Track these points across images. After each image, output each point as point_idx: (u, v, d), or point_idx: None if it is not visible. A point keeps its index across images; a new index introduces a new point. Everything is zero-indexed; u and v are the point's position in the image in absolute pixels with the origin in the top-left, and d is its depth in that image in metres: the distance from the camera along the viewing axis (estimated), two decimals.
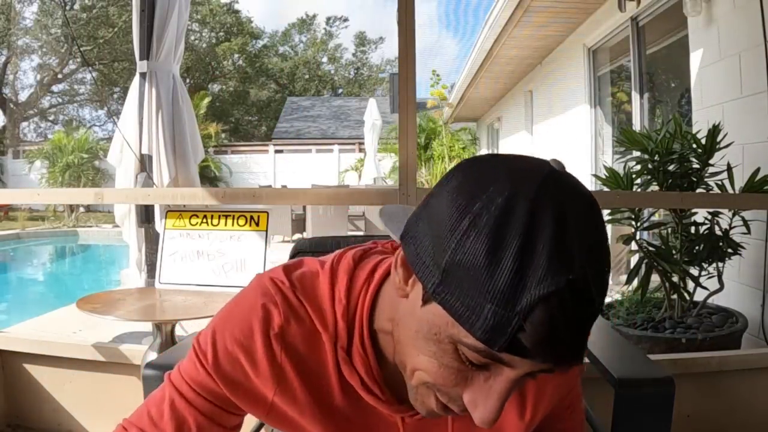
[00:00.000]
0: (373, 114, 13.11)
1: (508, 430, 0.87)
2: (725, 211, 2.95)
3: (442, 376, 0.66)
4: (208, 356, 0.81)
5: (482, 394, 0.65)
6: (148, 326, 3.20)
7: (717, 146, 2.97)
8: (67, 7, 25.46)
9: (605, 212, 3.31)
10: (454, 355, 0.64)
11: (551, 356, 0.59)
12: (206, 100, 19.15)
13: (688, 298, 3.12)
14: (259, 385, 0.81)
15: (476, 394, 0.65)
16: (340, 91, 35.80)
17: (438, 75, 14.42)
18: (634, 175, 3.09)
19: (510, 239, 0.58)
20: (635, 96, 5.46)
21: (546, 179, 0.63)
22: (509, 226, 0.58)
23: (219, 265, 2.72)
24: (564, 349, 0.59)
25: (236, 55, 32.02)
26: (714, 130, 2.95)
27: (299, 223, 9.79)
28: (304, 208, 9.51)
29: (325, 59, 36.17)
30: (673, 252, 3.04)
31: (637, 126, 5.27)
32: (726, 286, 3.02)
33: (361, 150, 18.25)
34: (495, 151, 14.37)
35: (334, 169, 19.05)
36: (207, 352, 0.81)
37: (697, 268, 3.05)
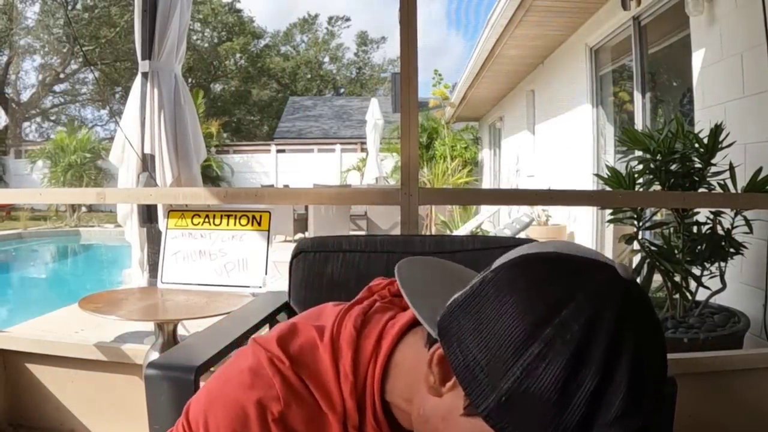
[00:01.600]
0: (375, 113, 13.11)
1: None
2: (727, 210, 2.95)
3: None
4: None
5: None
6: (150, 326, 3.21)
7: (719, 146, 2.96)
8: (69, 7, 25.49)
9: (607, 212, 3.31)
10: None
11: None
12: (200, 97, 19.09)
13: (690, 297, 3.12)
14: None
15: None
16: (342, 90, 35.80)
17: (440, 74, 14.44)
18: (636, 175, 3.09)
19: (586, 374, 0.53)
20: (637, 95, 5.46)
21: (624, 302, 0.57)
22: (586, 361, 0.53)
23: (221, 265, 2.72)
24: None
25: (238, 55, 32.04)
26: (716, 130, 2.95)
27: (301, 223, 9.80)
28: (306, 208, 9.51)
29: (326, 59, 36.20)
30: (675, 252, 3.03)
31: (639, 125, 5.26)
32: (728, 286, 3.02)
33: (363, 150, 18.25)
34: (497, 152, 14.36)
35: (336, 168, 19.05)
36: None
37: (699, 267, 3.05)
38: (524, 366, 0.54)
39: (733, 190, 2.91)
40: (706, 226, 3.03)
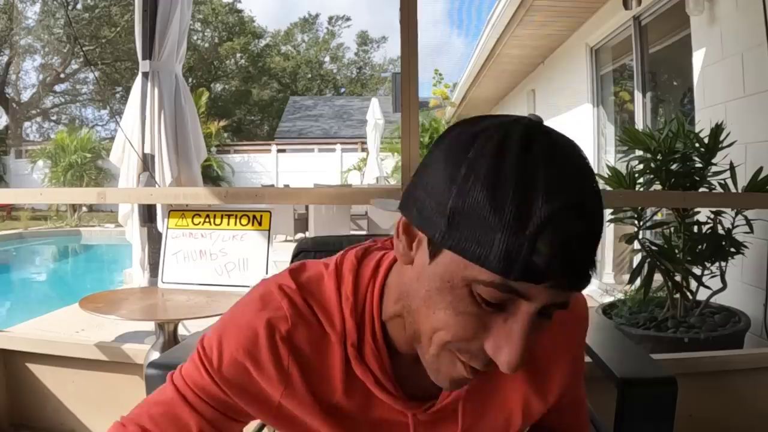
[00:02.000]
0: (375, 113, 13.10)
1: (532, 406, 0.89)
2: (728, 210, 2.95)
3: (461, 327, 0.66)
4: (214, 363, 0.81)
5: (504, 336, 0.65)
6: (150, 326, 3.21)
7: (720, 145, 2.96)
8: (70, 7, 25.50)
9: (608, 212, 3.31)
10: (470, 300, 0.64)
11: (564, 274, 0.61)
12: (205, 97, 19.11)
13: (690, 297, 3.12)
14: (266, 388, 0.81)
15: (498, 339, 0.65)
16: (343, 90, 35.82)
17: (440, 74, 14.42)
18: (636, 175, 3.09)
19: (508, 173, 0.61)
20: (638, 95, 5.45)
21: (530, 122, 0.68)
22: (505, 163, 0.62)
23: (221, 265, 2.72)
24: (576, 265, 0.63)
25: (238, 55, 32.06)
26: (717, 130, 2.95)
27: (302, 223, 9.80)
28: (307, 208, 9.51)
29: (327, 58, 36.22)
30: (676, 251, 3.03)
31: (639, 125, 5.26)
32: (729, 286, 3.02)
33: (363, 149, 18.24)
34: None
35: (337, 168, 19.05)
36: (212, 358, 0.81)
37: (700, 267, 3.05)
38: (458, 186, 0.62)
39: (733, 190, 2.91)
40: (707, 226, 3.03)
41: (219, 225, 2.76)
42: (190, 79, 27.99)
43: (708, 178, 3.00)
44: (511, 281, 0.61)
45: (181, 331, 2.63)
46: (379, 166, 13.57)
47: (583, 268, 0.64)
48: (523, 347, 0.64)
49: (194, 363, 0.84)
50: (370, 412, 0.84)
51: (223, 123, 20.65)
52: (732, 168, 2.93)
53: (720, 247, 2.96)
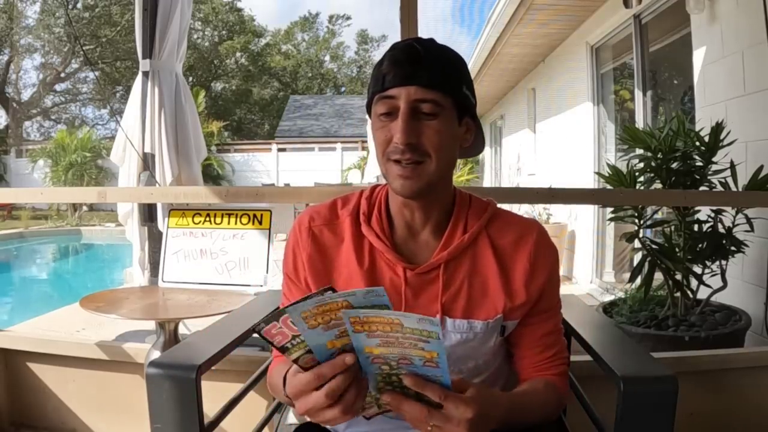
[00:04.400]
0: None
1: (501, 290, 1.19)
2: (728, 208, 2.95)
3: (381, 138, 1.12)
4: (289, 240, 1.29)
5: (396, 127, 1.09)
6: (151, 325, 3.21)
7: (720, 144, 2.96)
8: (70, 6, 25.50)
9: (608, 210, 3.31)
10: (378, 121, 1.13)
11: (395, 71, 1.10)
12: (201, 96, 19.09)
13: (691, 296, 3.12)
14: (303, 249, 1.25)
15: (394, 130, 1.09)
16: (343, 89, 35.81)
17: None
18: (637, 173, 3.09)
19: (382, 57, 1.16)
20: (638, 94, 5.45)
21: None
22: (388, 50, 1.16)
23: (222, 264, 2.72)
24: (402, 64, 1.10)
25: (239, 54, 32.05)
26: (717, 128, 2.95)
27: None
28: (307, 207, 9.51)
29: (327, 57, 36.23)
30: (677, 250, 3.03)
31: (640, 124, 5.25)
32: (729, 284, 3.02)
33: (364, 148, 18.23)
34: (498, 150, 14.36)
35: (337, 167, 19.06)
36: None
37: (701, 266, 3.05)
38: (374, 70, 1.18)
39: (734, 189, 2.90)
40: (707, 225, 3.02)
41: (219, 224, 2.76)
42: (190, 78, 27.99)
43: (708, 177, 3.00)
44: (382, 93, 1.11)
45: (182, 330, 2.63)
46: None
47: (409, 66, 1.09)
48: (405, 128, 1.08)
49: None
50: (375, 270, 1.20)
51: (222, 123, 20.63)
52: (732, 166, 2.93)
53: (720, 245, 2.96)
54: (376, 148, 1.15)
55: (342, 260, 1.23)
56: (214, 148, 18.85)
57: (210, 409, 1.38)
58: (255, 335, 0.91)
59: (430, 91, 1.09)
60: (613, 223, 5.01)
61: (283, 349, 0.90)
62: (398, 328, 0.83)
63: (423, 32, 2.28)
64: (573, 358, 1.56)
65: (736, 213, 2.94)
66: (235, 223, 2.74)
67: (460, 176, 13.65)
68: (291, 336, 0.88)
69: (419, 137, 1.09)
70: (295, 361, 0.92)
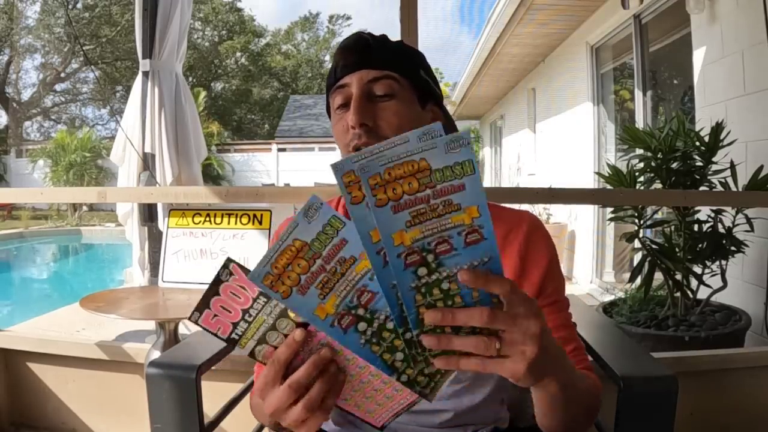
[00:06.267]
0: None
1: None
2: (728, 208, 2.95)
3: (341, 129, 1.08)
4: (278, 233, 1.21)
5: (349, 113, 1.05)
6: (151, 325, 3.21)
7: (720, 144, 2.96)
8: (70, 6, 25.49)
9: (608, 210, 3.31)
10: (336, 116, 1.10)
11: (344, 58, 1.09)
12: (202, 96, 19.09)
13: (691, 296, 3.12)
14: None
15: (349, 115, 1.05)
16: None
17: (441, 73, 14.41)
18: (637, 173, 3.09)
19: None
20: (638, 93, 5.45)
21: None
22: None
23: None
24: (348, 51, 1.09)
25: (239, 54, 32.04)
26: (717, 128, 2.95)
27: None
28: None
29: (327, 57, 36.16)
30: (677, 250, 3.03)
31: (640, 124, 5.25)
32: (729, 284, 3.02)
33: None
34: (498, 150, 14.36)
35: None
36: None
37: (701, 265, 3.04)
38: None
39: (734, 189, 2.90)
40: (707, 225, 3.02)
41: (219, 224, 2.76)
42: (190, 78, 27.99)
43: (708, 177, 3.00)
44: (335, 85, 1.10)
45: (182, 330, 2.63)
46: None
47: (355, 52, 1.08)
48: (357, 108, 1.04)
49: None
50: None
51: (223, 126, 20.62)
52: (732, 166, 2.93)
53: (720, 245, 2.96)
54: (338, 144, 1.10)
55: None
56: (214, 148, 18.85)
57: (210, 409, 1.38)
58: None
59: (382, 71, 1.06)
60: (613, 223, 5.01)
61: (231, 342, 0.76)
62: (426, 177, 0.62)
63: (423, 32, 2.28)
64: None
65: (736, 213, 2.94)
66: (235, 223, 2.75)
67: None
68: (231, 324, 0.75)
69: (375, 119, 1.04)
70: (253, 356, 0.78)
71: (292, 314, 0.76)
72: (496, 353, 0.67)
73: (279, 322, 0.76)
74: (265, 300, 0.76)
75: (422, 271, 0.65)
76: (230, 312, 0.75)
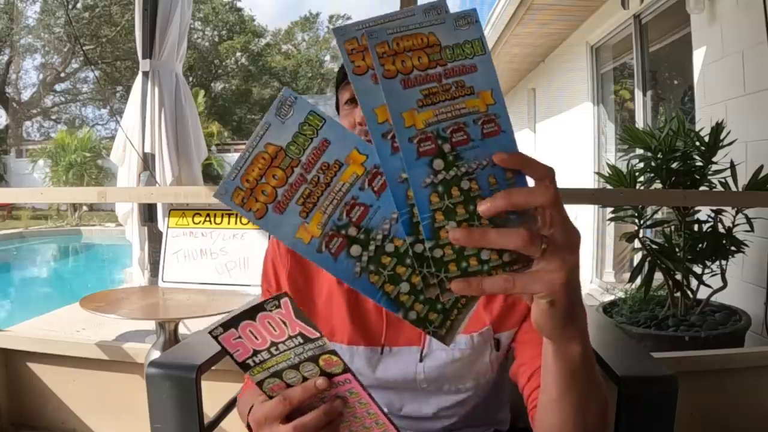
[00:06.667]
0: None
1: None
2: (728, 208, 2.94)
3: (350, 123, 1.06)
4: (267, 254, 1.22)
5: (359, 108, 0.92)
6: (151, 325, 3.21)
7: (720, 144, 2.96)
8: (70, 6, 25.49)
9: (608, 210, 3.31)
10: (343, 111, 1.10)
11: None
12: (201, 96, 19.08)
13: (691, 296, 3.12)
14: (281, 264, 1.15)
15: (358, 111, 1.05)
16: None
17: None
18: (637, 173, 3.09)
19: None
20: (638, 93, 5.45)
21: None
22: None
23: (222, 264, 2.72)
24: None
25: (239, 54, 32.02)
26: (717, 128, 2.95)
27: None
28: None
29: (327, 57, 36.17)
30: (677, 250, 3.03)
31: (640, 123, 5.25)
32: (729, 284, 3.02)
33: None
34: None
35: None
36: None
37: (701, 266, 3.04)
38: None
39: (734, 189, 2.90)
40: (707, 225, 3.02)
41: (219, 224, 2.76)
42: (190, 78, 27.98)
43: (708, 177, 2.99)
44: (346, 80, 1.07)
45: (182, 330, 2.63)
46: None
47: None
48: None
49: None
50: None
51: (222, 124, 20.61)
52: (732, 166, 2.93)
53: (720, 245, 2.96)
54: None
55: (322, 276, 1.13)
56: (214, 148, 18.83)
57: (210, 409, 1.38)
58: None
59: None
60: (613, 223, 5.01)
61: (244, 367, 0.70)
62: (436, 53, 0.56)
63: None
64: None
65: (736, 213, 2.94)
66: (235, 223, 2.75)
67: None
68: (252, 351, 0.69)
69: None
70: (259, 384, 0.73)
71: (322, 361, 0.71)
72: (539, 254, 0.56)
73: (305, 364, 0.71)
74: (302, 341, 0.69)
75: (438, 163, 0.55)
76: (257, 339, 0.69)
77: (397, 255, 0.58)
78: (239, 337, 0.68)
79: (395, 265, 0.59)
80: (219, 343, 0.68)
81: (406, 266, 0.58)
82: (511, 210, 0.56)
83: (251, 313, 0.67)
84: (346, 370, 0.72)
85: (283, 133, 0.56)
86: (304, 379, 0.72)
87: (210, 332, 0.68)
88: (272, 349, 0.69)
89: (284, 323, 0.68)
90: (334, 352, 0.70)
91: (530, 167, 0.57)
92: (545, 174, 0.57)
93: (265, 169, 0.57)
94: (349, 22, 0.57)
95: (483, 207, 0.55)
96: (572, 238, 0.58)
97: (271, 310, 0.67)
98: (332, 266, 0.58)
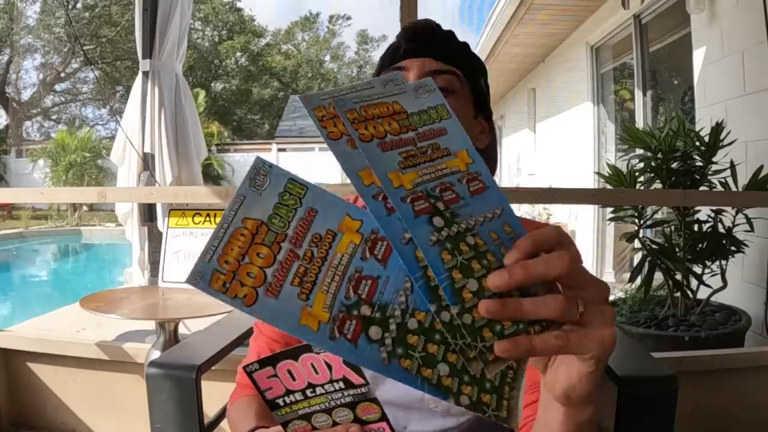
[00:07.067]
0: None
1: None
2: (728, 208, 2.94)
3: None
4: None
5: None
6: (151, 325, 3.21)
7: (720, 144, 2.96)
8: (70, 6, 25.49)
9: (608, 210, 3.31)
10: None
11: (407, 41, 1.01)
12: (201, 97, 19.11)
13: (691, 296, 3.12)
14: None
15: None
16: None
17: None
18: (637, 173, 3.09)
19: None
20: (638, 93, 5.45)
21: None
22: None
23: None
24: (414, 37, 1.02)
25: (239, 54, 32.02)
26: (717, 128, 2.95)
27: None
28: None
29: (327, 57, 36.18)
30: (677, 250, 3.03)
31: (640, 123, 5.26)
32: (729, 284, 3.02)
33: None
34: (499, 149, 14.35)
35: (337, 167, 18.87)
36: None
37: (701, 266, 3.04)
38: None
39: (734, 188, 2.90)
40: (707, 225, 3.02)
41: None
42: (190, 78, 27.98)
43: (708, 177, 3.00)
44: (392, 66, 1.01)
45: (182, 330, 2.63)
46: None
47: (422, 38, 1.01)
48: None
49: None
50: None
51: (222, 124, 20.63)
52: (732, 166, 2.93)
53: (720, 245, 2.96)
54: None
55: None
56: (214, 148, 18.85)
57: (210, 409, 1.38)
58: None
59: (448, 65, 0.99)
60: (613, 223, 5.01)
61: (273, 406, 0.65)
62: (404, 119, 0.54)
63: None
64: None
65: (736, 213, 2.94)
66: None
67: None
68: (285, 390, 0.64)
69: None
70: (284, 425, 0.67)
71: (360, 408, 0.66)
72: (578, 314, 0.51)
73: (338, 410, 0.66)
74: (343, 386, 0.64)
75: (438, 221, 0.50)
76: (294, 380, 0.64)
77: (423, 331, 0.51)
78: (275, 375, 0.63)
79: (425, 344, 0.51)
80: (252, 379, 0.64)
81: (437, 343, 0.51)
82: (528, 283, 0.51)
83: (295, 352, 0.63)
84: (383, 418, 0.67)
85: (261, 206, 0.50)
86: (335, 423, 0.67)
87: (244, 367, 0.64)
88: (308, 391, 0.64)
89: (329, 366, 0.63)
90: (375, 401, 0.66)
91: (540, 243, 0.52)
92: (557, 242, 0.52)
93: (246, 247, 0.49)
94: (313, 92, 0.53)
95: (500, 282, 0.49)
96: (603, 290, 0.54)
97: (318, 353, 0.62)
98: (354, 355, 0.50)
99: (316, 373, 0.63)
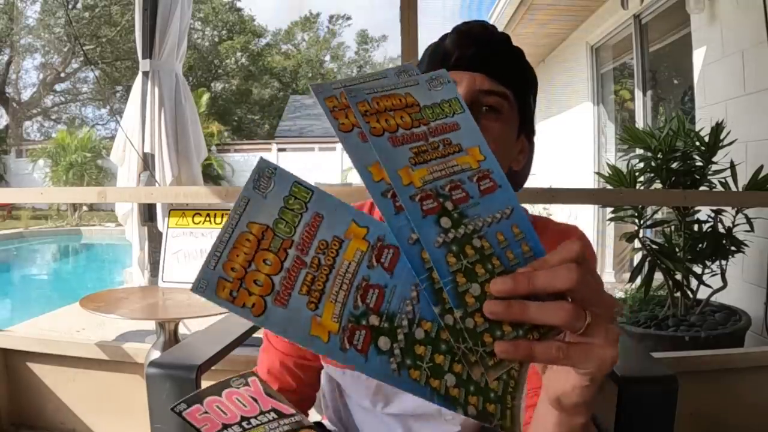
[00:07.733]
0: None
1: None
2: (728, 208, 2.95)
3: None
4: None
5: None
6: (151, 325, 3.21)
7: (720, 144, 2.96)
8: (70, 6, 25.49)
9: (608, 210, 3.31)
10: None
11: (460, 51, 0.91)
12: (205, 97, 19.14)
13: (691, 296, 3.12)
14: None
15: None
16: None
17: None
18: (637, 173, 3.09)
19: None
20: (638, 93, 5.45)
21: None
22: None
23: None
24: (467, 48, 0.91)
25: (239, 54, 32.02)
26: (717, 128, 2.95)
27: None
28: None
29: (327, 57, 36.18)
30: (677, 250, 3.03)
31: (640, 124, 5.26)
32: (729, 284, 3.02)
33: None
34: None
35: (338, 167, 19.06)
36: None
37: (701, 266, 3.05)
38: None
39: (734, 188, 2.90)
40: (707, 225, 3.02)
41: (219, 224, 2.76)
42: (190, 78, 27.98)
43: (708, 177, 3.00)
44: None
45: (182, 330, 2.63)
46: None
47: (477, 49, 0.91)
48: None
49: None
50: None
51: (222, 124, 20.64)
52: (732, 166, 2.93)
53: (720, 245, 2.96)
54: None
55: None
56: (214, 148, 18.85)
57: None
58: (255, 335, 0.87)
59: (500, 85, 0.91)
60: (613, 223, 5.01)
61: None
62: (417, 113, 0.53)
63: (423, 32, 2.28)
64: None
65: (736, 213, 2.94)
66: None
67: None
68: (222, 425, 0.63)
69: None
70: None
71: None
72: (583, 327, 0.50)
73: None
74: (276, 416, 0.65)
75: (445, 221, 0.49)
76: (225, 414, 0.64)
77: (429, 341, 0.50)
78: (206, 412, 0.63)
79: (432, 354, 0.50)
80: (184, 419, 0.63)
81: (443, 353, 0.50)
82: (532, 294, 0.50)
83: (216, 389, 0.64)
84: None
85: (266, 209, 0.48)
86: None
87: (172, 408, 0.63)
88: (244, 423, 0.64)
89: (255, 400, 0.65)
90: (312, 427, 0.67)
91: (556, 267, 0.50)
92: (572, 257, 0.50)
93: (252, 253, 0.47)
94: (325, 82, 0.53)
95: (502, 288, 0.49)
96: (612, 306, 0.53)
97: (237, 388, 0.64)
98: (365, 366, 0.49)
99: (245, 406, 0.64)
